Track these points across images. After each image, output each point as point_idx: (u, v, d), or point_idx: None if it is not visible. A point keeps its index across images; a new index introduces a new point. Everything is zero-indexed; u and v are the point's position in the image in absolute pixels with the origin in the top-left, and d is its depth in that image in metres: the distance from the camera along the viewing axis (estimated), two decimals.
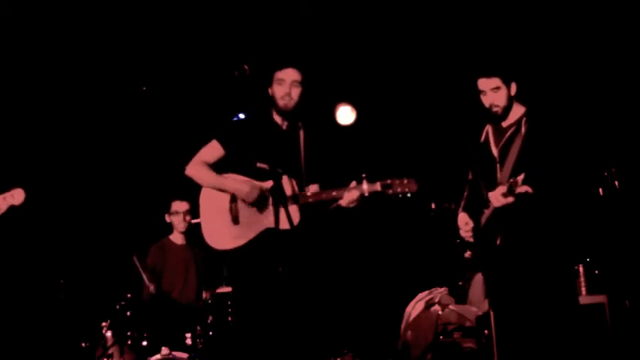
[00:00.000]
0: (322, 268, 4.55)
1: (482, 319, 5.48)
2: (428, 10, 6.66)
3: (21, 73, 6.56)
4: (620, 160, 4.76)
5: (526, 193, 4.14)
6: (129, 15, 6.49)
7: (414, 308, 6.29)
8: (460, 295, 6.37)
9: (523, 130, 4.35)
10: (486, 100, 4.42)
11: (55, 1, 6.34)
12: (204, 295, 6.07)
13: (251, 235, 4.42)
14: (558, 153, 4.23)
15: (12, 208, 4.79)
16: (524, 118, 4.39)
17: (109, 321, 5.53)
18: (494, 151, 4.46)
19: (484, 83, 4.41)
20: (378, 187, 4.37)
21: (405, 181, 4.36)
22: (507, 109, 4.41)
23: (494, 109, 4.40)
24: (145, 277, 5.95)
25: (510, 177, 4.20)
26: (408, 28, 6.83)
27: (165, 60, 6.79)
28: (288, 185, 4.42)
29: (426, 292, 6.36)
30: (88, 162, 6.99)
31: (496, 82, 4.37)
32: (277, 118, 4.60)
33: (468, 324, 5.88)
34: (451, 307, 6.07)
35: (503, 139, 4.42)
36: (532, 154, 4.24)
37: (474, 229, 4.50)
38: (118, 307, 5.56)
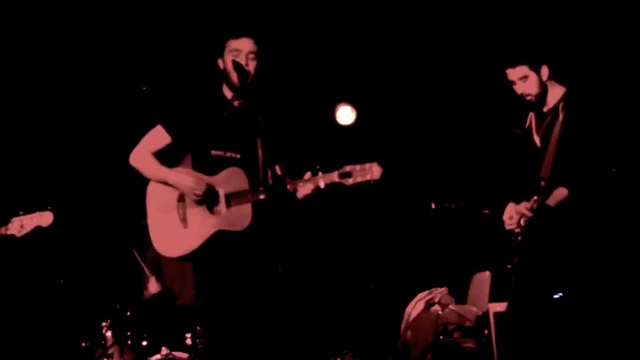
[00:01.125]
0: (318, 267, 4.38)
1: (482, 319, 5.48)
2: (429, 8, 6.66)
3: (20, 73, 6.56)
4: (621, 160, 4.69)
5: (550, 209, 4.03)
6: (128, 15, 6.49)
7: (414, 308, 6.29)
8: (460, 295, 6.37)
9: (561, 116, 4.12)
10: (517, 90, 4.22)
11: (55, 1, 6.35)
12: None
13: (201, 239, 4.01)
14: (597, 142, 4.02)
15: (38, 229, 4.77)
16: (561, 103, 4.16)
17: (109, 321, 5.53)
18: (536, 139, 4.27)
19: (511, 73, 4.21)
20: (335, 177, 3.85)
21: (367, 166, 3.81)
22: (542, 95, 4.20)
23: (528, 98, 4.20)
24: (145, 270, 5.95)
25: (552, 167, 4.03)
26: (408, 27, 6.83)
27: (165, 60, 6.78)
28: (239, 177, 4.01)
29: (426, 292, 6.36)
30: (88, 162, 6.98)
31: (523, 70, 4.16)
32: (229, 94, 4.14)
33: (468, 324, 5.88)
34: (451, 307, 6.06)
35: (544, 126, 4.22)
36: (570, 143, 4.03)
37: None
38: (118, 307, 5.56)
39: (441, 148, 7.24)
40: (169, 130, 4.13)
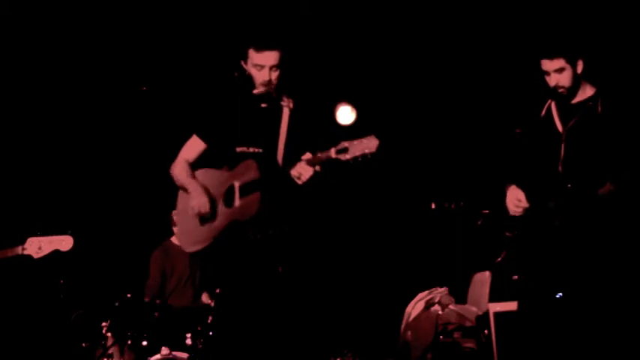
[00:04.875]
0: (318, 267, 4.40)
1: (482, 319, 5.48)
2: (428, 8, 6.66)
3: (20, 73, 6.57)
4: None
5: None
6: (128, 15, 6.49)
7: (414, 308, 6.28)
8: (460, 295, 6.37)
9: (600, 109, 4.12)
10: (550, 81, 4.21)
11: (55, 1, 6.35)
12: (203, 295, 6.07)
13: (215, 232, 4.18)
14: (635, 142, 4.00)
15: (56, 252, 4.78)
16: (599, 98, 4.17)
17: (109, 321, 5.52)
18: (559, 127, 4.25)
19: (547, 64, 4.19)
20: (332, 153, 3.87)
21: (364, 141, 3.80)
22: (574, 88, 4.20)
23: (560, 90, 4.20)
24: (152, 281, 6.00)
25: (583, 159, 4.03)
26: (407, 26, 6.83)
27: (165, 60, 6.78)
28: (252, 168, 4.13)
29: (426, 292, 6.35)
30: (88, 162, 6.98)
31: (560, 62, 4.14)
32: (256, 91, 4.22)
33: (468, 324, 5.87)
34: (451, 307, 6.06)
35: (575, 118, 4.20)
36: (613, 137, 4.02)
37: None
38: (117, 307, 5.55)
39: (442, 148, 7.24)
40: (203, 138, 4.32)
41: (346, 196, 7.03)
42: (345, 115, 7.47)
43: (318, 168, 3.95)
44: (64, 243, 4.77)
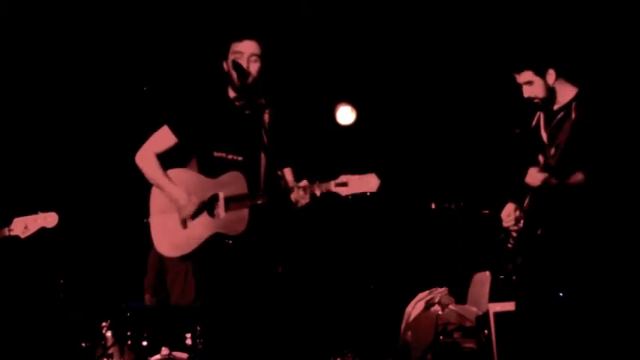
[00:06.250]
0: (318, 267, 4.37)
1: (482, 319, 5.48)
2: (429, 8, 6.66)
3: (21, 73, 6.56)
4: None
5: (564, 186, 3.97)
6: (128, 15, 6.49)
7: (414, 308, 6.28)
8: (460, 295, 6.37)
9: (573, 115, 4.10)
10: (524, 93, 4.23)
11: (55, 1, 6.35)
12: None
13: (198, 241, 4.08)
14: (610, 142, 4.01)
15: (42, 230, 4.75)
16: (574, 102, 4.15)
17: (109, 321, 5.52)
18: (544, 136, 4.27)
19: (517, 78, 4.22)
20: (331, 186, 3.90)
21: (364, 178, 3.87)
22: (549, 98, 4.20)
23: (535, 101, 4.22)
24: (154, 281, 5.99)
25: (559, 158, 4.01)
26: (408, 26, 6.83)
27: (170, 62, 6.77)
28: (239, 181, 4.04)
29: (426, 292, 6.35)
30: (91, 162, 6.98)
31: (528, 75, 4.17)
32: (233, 95, 4.18)
33: (468, 324, 5.88)
34: (451, 307, 6.06)
35: (553, 124, 4.21)
36: (581, 141, 4.00)
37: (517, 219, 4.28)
38: (118, 307, 5.55)
39: (441, 148, 7.24)
40: (175, 132, 4.16)
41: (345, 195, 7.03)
42: (345, 115, 7.48)
43: (318, 193, 3.94)
44: (49, 219, 4.75)
